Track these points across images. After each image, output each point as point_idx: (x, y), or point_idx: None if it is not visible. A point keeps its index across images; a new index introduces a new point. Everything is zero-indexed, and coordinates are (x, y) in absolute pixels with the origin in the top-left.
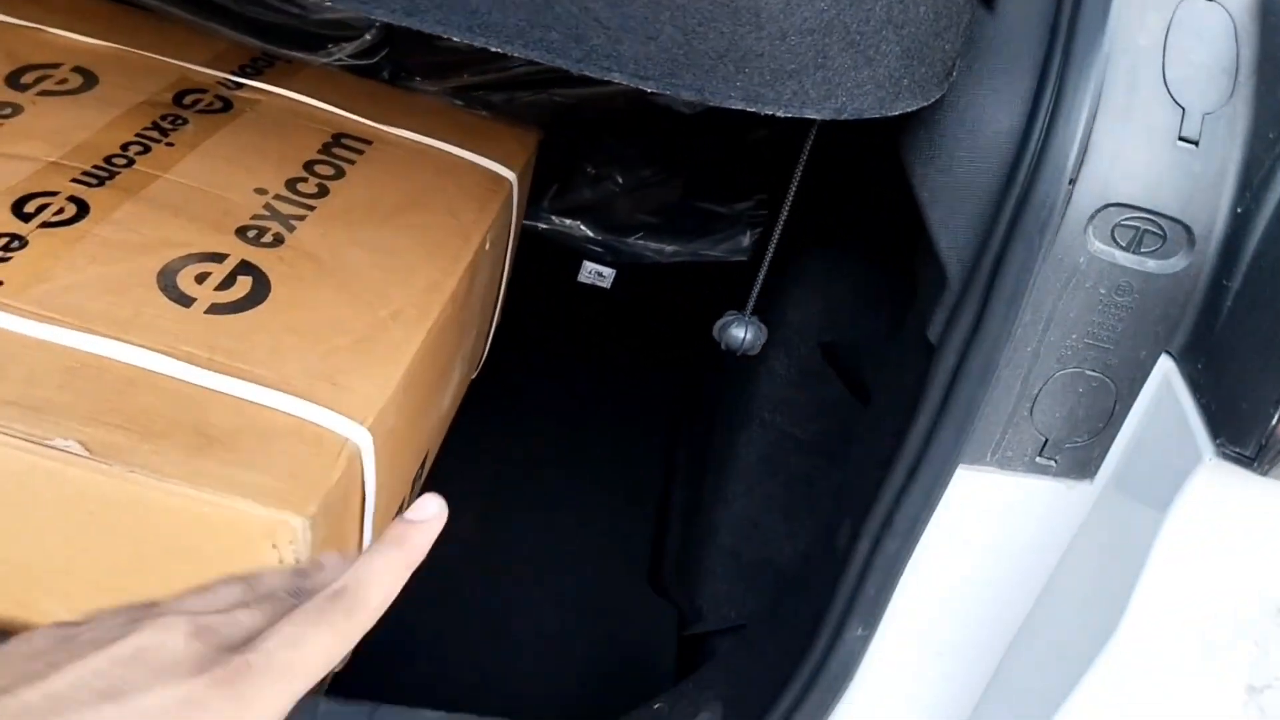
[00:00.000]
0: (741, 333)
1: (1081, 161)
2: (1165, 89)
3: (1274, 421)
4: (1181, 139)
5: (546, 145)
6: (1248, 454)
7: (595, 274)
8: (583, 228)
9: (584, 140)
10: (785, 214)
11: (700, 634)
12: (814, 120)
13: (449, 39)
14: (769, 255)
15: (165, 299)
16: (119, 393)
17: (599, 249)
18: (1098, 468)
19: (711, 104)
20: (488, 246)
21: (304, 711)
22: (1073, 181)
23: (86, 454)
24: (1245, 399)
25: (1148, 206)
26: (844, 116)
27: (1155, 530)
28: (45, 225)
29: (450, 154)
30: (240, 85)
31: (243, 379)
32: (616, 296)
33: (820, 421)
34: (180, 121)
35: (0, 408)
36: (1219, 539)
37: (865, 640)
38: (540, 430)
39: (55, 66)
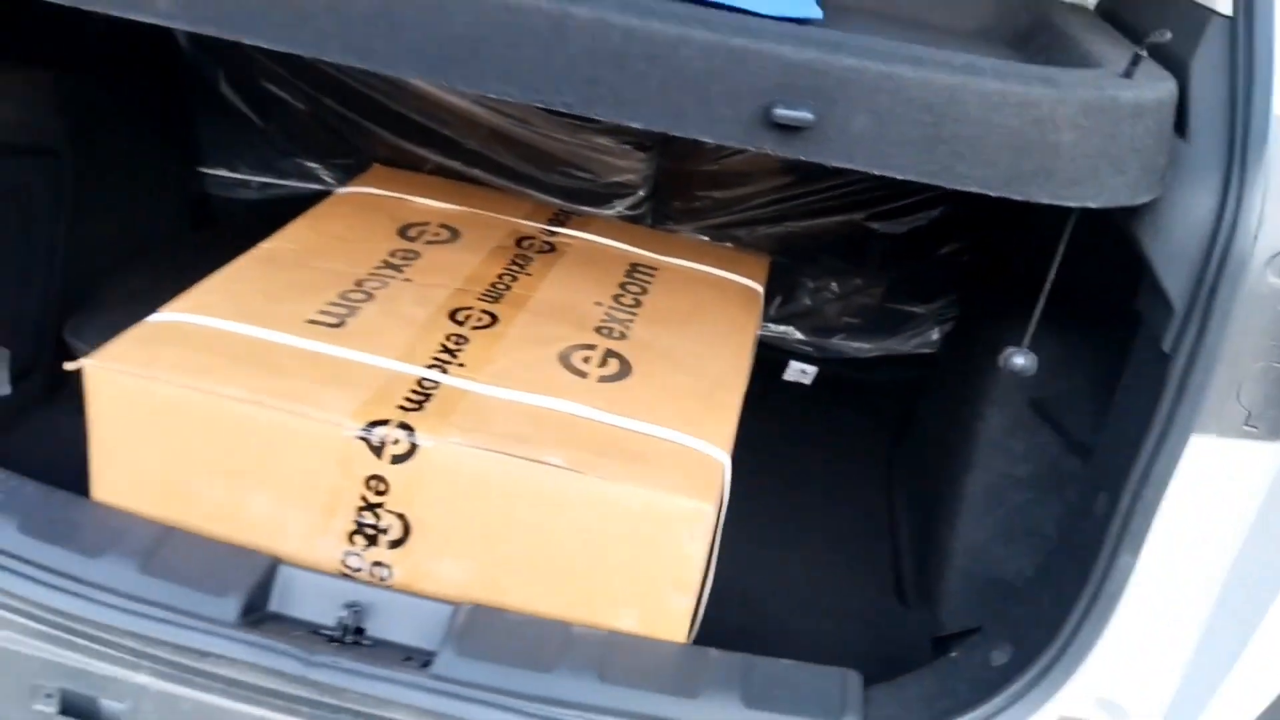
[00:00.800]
0: (1021, 359)
1: (1260, 225)
2: None
3: None
4: None
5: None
6: None
7: (799, 372)
8: (795, 332)
9: (807, 259)
10: (1050, 283)
11: (947, 636)
12: (1073, 210)
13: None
14: (1044, 295)
15: (568, 373)
16: (566, 430)
17: (807, 349)
18: None
19: (1031, 201)
20: (754, 341)
21: (695, 656)
22: (1255, 238)
23: (565, 465)
24: None
25: None
26: (1108, 206)
27: None
28: (475, 328)
29: (715, 275)
30: (555, 233)
31: (640, 420)
32: (816, 389)
33: (1033, 462)
34: (527, 259)
35: (501, 439)
36: None
37: (1130, 567)
38: (774, 485)
39: (426, 224)
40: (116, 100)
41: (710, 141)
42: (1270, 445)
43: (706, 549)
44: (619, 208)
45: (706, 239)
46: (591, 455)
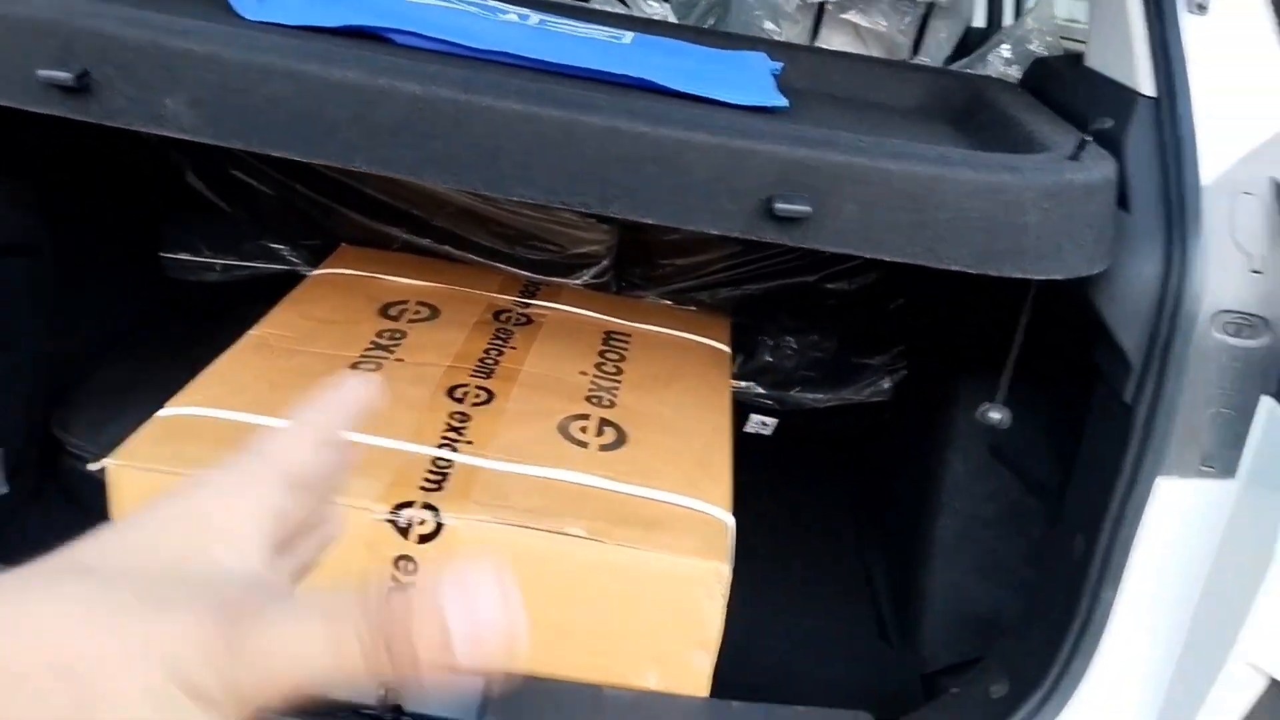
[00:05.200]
0: (997, 414)
1: (1202, 288)
2: (1237, 245)
3: None
4: (1253, 271)
5: (734, 325)
6: None
7: (760, 424)
8: (756, 386)
9: (764, 318)
10: (1017, 346)
11: (936, 672)
12: (1033, 282)
13: (671, 261)
14: (1011, 359)
15: (570, 444)
16: (579, 500)
17: (768, 402)
18: (1237, 468)
19: (1003, 276)
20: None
21: (719, 710)
22: (1200, 299)
23: (588, 536)
24: None
25: (1241, 309)
26: (1071, 276)
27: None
28: (475, 404)
29: (683, 338)
30: (528, 304)
31: (645, 486)
32: (776, 440)
33: (996, 503)
34: (508, 333)
35: (521, 514)
36: None
37: (1112, 600)
38: (748, 535)
39: (405, 303)
40: (90, 195)
41: (717, 233)
42: (1225, 483)
43: (722, 607)
44: (585, 277)
45: (670, 303)
46: (608, 524)
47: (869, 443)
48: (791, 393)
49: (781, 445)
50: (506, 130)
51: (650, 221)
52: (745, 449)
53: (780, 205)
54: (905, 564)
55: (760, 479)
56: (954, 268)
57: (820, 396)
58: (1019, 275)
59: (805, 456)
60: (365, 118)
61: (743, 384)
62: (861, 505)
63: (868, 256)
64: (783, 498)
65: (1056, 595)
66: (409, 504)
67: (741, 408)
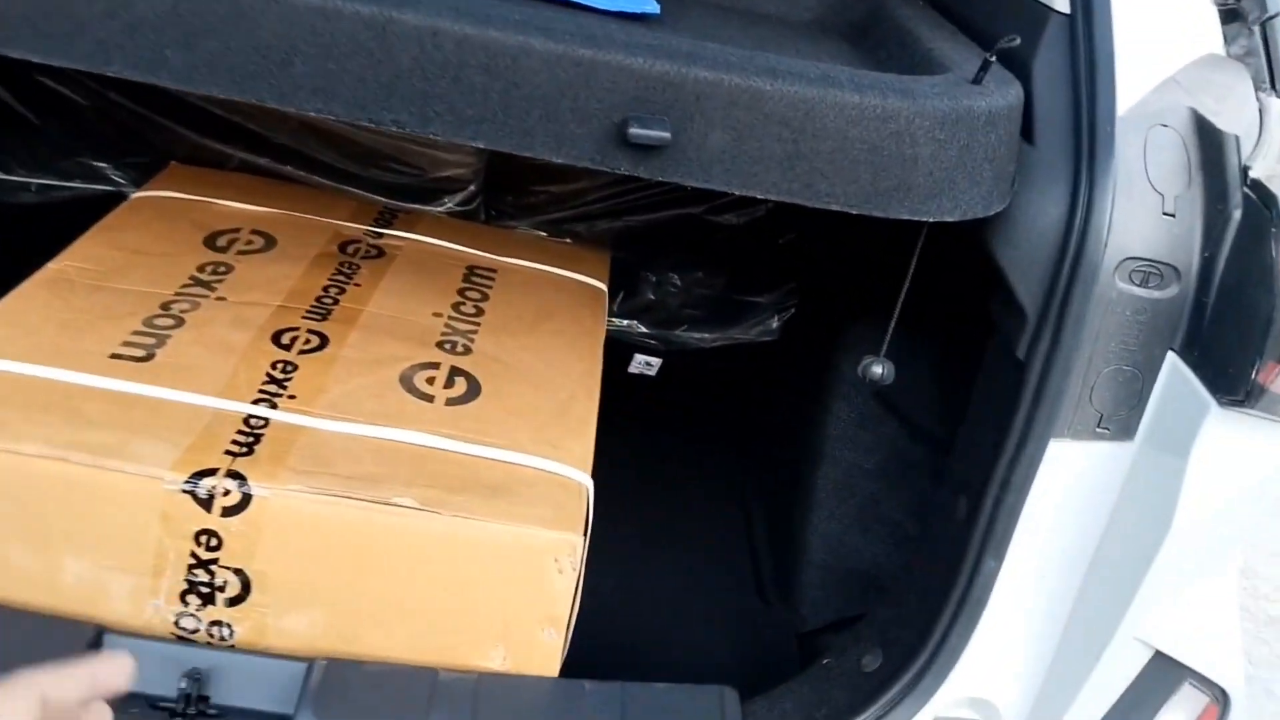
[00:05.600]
0: (879, 369)
1: (1109, 232)
2: (1149, 183)
3: (1254, 374)
4: (1164, 213)
5: (615, 260)
6: (1239, 399)
7: (644, 364)
8: (639, 325)
9: (647, 253)
10: (905, 292)
11: (814, 631)
12: (925, 223)
13: (545, 188)
14: (897, 311)
15: (413, 398)
16: (416, 464)
17: (652, 341)
18: (1136, 431)
19: (890, 217)
20: (602, 343)
21: (570, 691)
22: (1105, 244)
23: (420, 506)
24: (1231, 367)
25: (1150, 256)
26: (965, 217)
27: (1184, 467)
28: (303, 352)
29: (556, 274)
30: (381, 234)
31: (495, 446)
32: (661, 380)
33: (880, 453)
34: (354, 267)
35: (345, 482)
36: (1230, 464)
37: (995, 571)
38: (624, 485)
39: (236, 231)
40: None
41: (560, 162)
42: (1121, 445)
43: (575, 580)
44: (449, 204)
45: (544, 235)
46: (445, 492)
47: (756, 385)
48: (676, 332)
49: (665, 387)
50: (300, 30)
51: (480, 145)
52: (628, 391)
53: (635, 130)
54: (785, 515)
55: (642, 423)
56: (833, 207)
57: (706, 336)
58: (906, 216)
59: (690, 399)
60: (121, 11)
61: (624, 323)
62: (747, 451)
63: (736, 193)
64: (665, 443)
65: (936, 561)
66: (210, 471)
67: (624, 348)
